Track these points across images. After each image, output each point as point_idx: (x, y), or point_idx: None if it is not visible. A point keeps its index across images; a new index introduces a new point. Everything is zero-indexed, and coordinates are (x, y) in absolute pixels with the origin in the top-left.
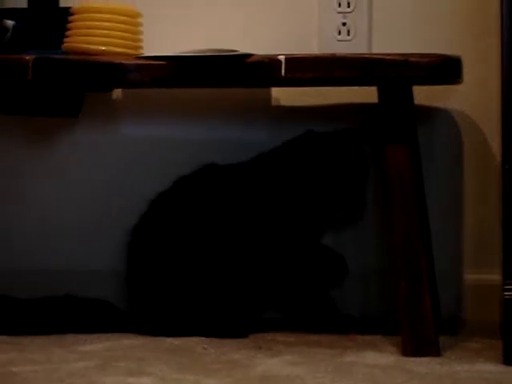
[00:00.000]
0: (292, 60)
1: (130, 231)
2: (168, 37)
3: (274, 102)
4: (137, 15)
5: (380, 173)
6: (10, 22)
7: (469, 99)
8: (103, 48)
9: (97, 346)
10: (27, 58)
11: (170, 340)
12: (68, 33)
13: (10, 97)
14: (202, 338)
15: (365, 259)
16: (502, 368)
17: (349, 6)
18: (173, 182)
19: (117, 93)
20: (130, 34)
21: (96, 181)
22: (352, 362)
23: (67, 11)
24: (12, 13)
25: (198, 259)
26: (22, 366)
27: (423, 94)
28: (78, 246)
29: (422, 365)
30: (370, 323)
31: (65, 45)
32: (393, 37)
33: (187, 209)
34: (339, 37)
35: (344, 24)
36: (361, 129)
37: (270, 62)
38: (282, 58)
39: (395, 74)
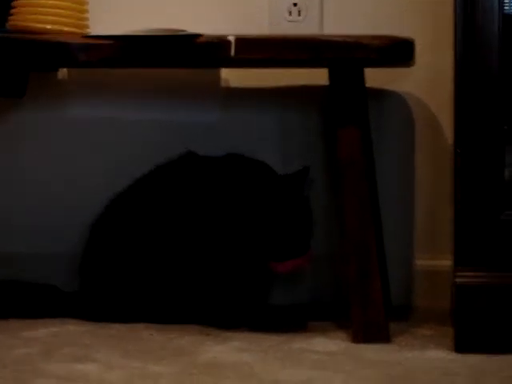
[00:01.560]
0: (242, 40)
1: (95, 215)
2: (116, 16)
3: (223, 83)
4: None
5: (331, 155)
6: None
7: (421, 82)
8: (49, 26)
9: (41, 332)
10: None
11: (116, 326)
12: (13, 11)
13: None
14: (149, 325)
15: (315, 244)
16: (452, 355)
17: None
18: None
19: (63, 72)
20: (76, 13)
21: (43, 161)
22: (301, 349)
23: None
24: None
25: (150, 249)
26: None
27: (375, 77)
28: (27, 230)
29: (372, 351)
30: (321, 309)
31: (10, 23)
32: (344, 18)
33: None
34: (290, 17)
35: (295, 4)
36: (300, 175)
37: (220, 43)
38: (231, 38)
39: (346, 56)
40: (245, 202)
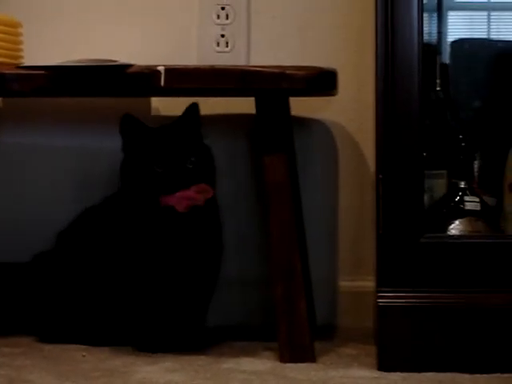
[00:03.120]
0: (171, 71)
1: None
2: (49, 47)
3: (153, 112)
4: (17, 25)
5: (258, 180)
6: None
7: (344, 111)
8: None
9: None
10: None
11: (48, 347)
12: None
13: None
14: (81, 346)
15: (245, 266)
16: (376, 373)
17: (227, 18)
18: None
19: None
20: (10, 44)
21: None
22: (229, 369)
23: None
24: None
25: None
26: None
27: (300, 106)
28: None
29: (297, 371)
30: (250, 331)
31: None
32: (271, 50)
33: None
34: (218, 48)
35: (223, 36)
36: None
37: (150, 73)
38: (161, 68)
39: (272, 86)
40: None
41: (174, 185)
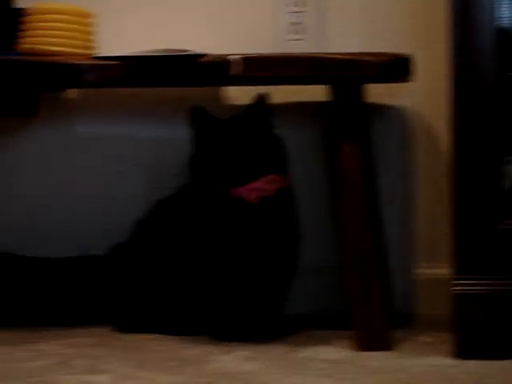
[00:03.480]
0: (245, 60)
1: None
2: (123, 37)
3: (226, 101)
4: (89, 15)
5: (332, 169)
6: None
7: (419, 97)
8: (58, 49)
9: (54, 344)
10: None
11: (126, 337)
12: (22, 33)
13: None
14: (157, 335)
15: (321, 255)
16: (452, 361)
17: (302, 6)
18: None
19: (71, 92)
20: (83, 35)
21: (51, 179)
22: (306, 358)
23: (20, 12)
24: None
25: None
26: None
27: (375, 92)
28: (30, 243)
29: (374, 359)
30: (326, 319)
31: (20, 46)
32: (345, 36)
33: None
34: (292, 36)
35: (297, 23)
36: None
37: (223, 62)
38: (232, 57)
39: (347, 73)
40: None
41: (243, 176)
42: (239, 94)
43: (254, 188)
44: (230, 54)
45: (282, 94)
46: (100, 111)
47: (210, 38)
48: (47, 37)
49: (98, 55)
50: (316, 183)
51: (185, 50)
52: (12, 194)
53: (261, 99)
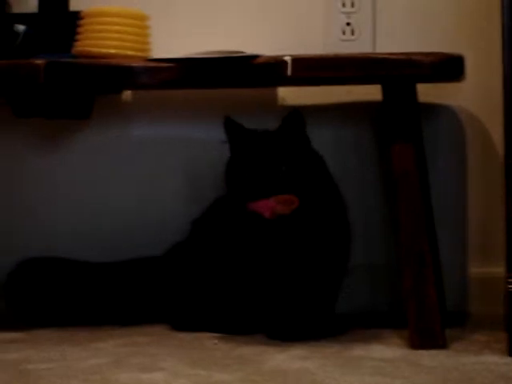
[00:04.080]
0: (298, 60)
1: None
2: (176, 39)
3: (280, 102)
4: (145, 18)
5: (385, 169)
6: (20, 27)
7: (472, 97)
8: (113, 51)
9: (109, 342)
10: (39, 62)
11: (181, 336)
12: (78, 37)
13: (22, 100)
14: (213, 334)
15: (372, 254)
16: (507, 360)
17: (353, 6)
18: None
19: (126, 95)
20: (138, 37)
21: (107, 182)
22: (360, 356)
23: (77, 15)
24: (23, 17)
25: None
26: (37, 364)
27: (427, 92)
28: (88, 248)
29: (428, 357)
30: (378, 318)
31: (75, 48)
32: (396, 36)
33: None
34: (343, 37)
35: (348, 24)
36: None
37: (277, 63)
38: (287, 58)
39: (399, 73)
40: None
41: (257, 192)
42: (295, 95)
43: (265, 206)
44: (284, 55)
45: (333, 94)
46: (154, 113)
47: (262, 40)
48: (102, 39)
49: (152, 57)
50: (368, 183)
51: (239, 52)
52: (71, 198)
53: (293, 115)
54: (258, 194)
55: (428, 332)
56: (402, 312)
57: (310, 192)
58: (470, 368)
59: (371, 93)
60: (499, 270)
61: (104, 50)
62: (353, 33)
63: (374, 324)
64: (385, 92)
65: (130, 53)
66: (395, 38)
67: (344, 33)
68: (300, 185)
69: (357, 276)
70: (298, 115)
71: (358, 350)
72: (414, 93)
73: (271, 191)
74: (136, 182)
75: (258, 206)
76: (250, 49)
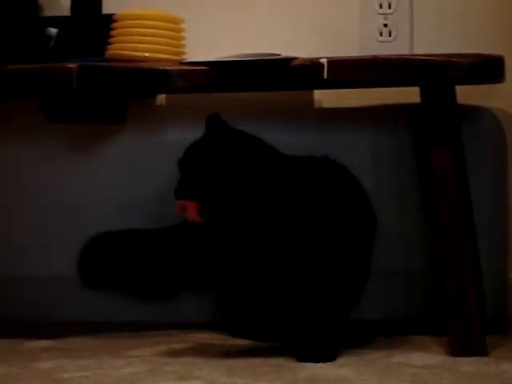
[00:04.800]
0: (334, 63)
1: None
2: (210, 42)
3: (316, 104)
4: (179, 21)
5: (423, 172)
6: (53, 30)
7: (511, 97)
8: (147, 54)
9: (146, 350)
10: (71, 65)
11: (216, 343)
12: (111, 40)
13: (55, 104)
14: (249, 342)
15: (410, 260)
16: None
17: (390, 8)
18: None
19: (160, 98)
20: (173, 40)
21: (142, 186)
22: (399, 363)
23: (110, 18)
24: (55, 21)
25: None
26: (73, 372)
27: (466, 93)
28: None
29: (469, 364)
30: (417, 324)
31: (108, 52)
32: (434, 37)
33: None
34: (381, 38)
35: (385, 25)
36: None
37: (313, 65)
38: (324, 60)
39: (437, 75)
40: None
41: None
42: (326, 98)
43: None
44: (320, 57)
45: (369, 96)
46: (189, 117)
47: (298, 41)
48: (136, 43)
49: (186, 61)
50: (406, 186)
51: (274, 54)
52: (104, 203)
53: (213, 119)
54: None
55: (468, 338)
56: (441, 319)
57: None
58: (510, 375)
59: (408, 94)
60: None
61: (137, 54)
62: (390, 34)
63: (413, 331)
64: (423, 94)
65: (163, 56)
66: (433, 39)
67: (381, 34)
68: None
69: (394, 283)
70: (215, 120)
71: (397, 357)
72: (452, 95)
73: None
74: (170, 186)
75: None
76: (285, 51)
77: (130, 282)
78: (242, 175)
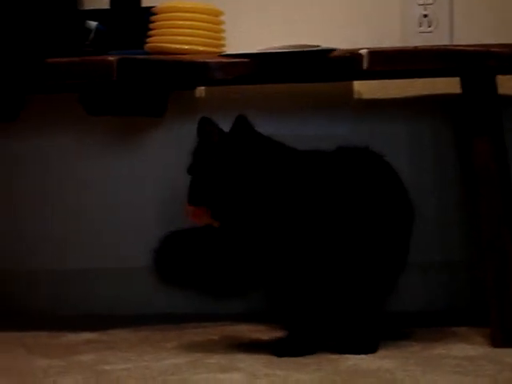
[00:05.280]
0: (374, 53)
1: None
2: (249, 34)
3: (356, 95)
4: (219, 13)
5: (464, 163)
6: (92, 23)
7: None
8: (186, 47)
9: (187, 342)
10: (111, 58)
11: (257, 335)
12: (151, 32)
13: (94, 97)
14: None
15: (451, 251)
16: None
17: None
18: None
19: (200, 91)
20: (212, 33)
21: (182, 179)
22: (441, 355)
23: (149, 11)
24: (94, 14)
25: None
26: (114, 365)
27: (507, 84)
28: None
29: (511, 356)
30: (457, 315)
31: (148, 45)
32: (474, 27)
33: None
34: (421, 29)
35: (425, 16)
36: None
37: (353, 56)
38: (364, 51)
39: (478, 65)
40: None
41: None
42: (365, 89)
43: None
44: (360, 48)
45: (409, 86)
46: (228, 109)
47: (338, 33)
48: (176, 35)
49: (225, 53)
50: (447, 178)
51: (314, 45)
52: (146, 195)
53: (240, 119)
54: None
55: (510, 329)
56: (482, 310)
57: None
58: None
59: (447, 85)
60: None
61: (177, 46)
62: (430, 24)
63: (454, 322)
64: (464, 84)
65: (202, 48)
66: (473, 29)
67: (421, 25)
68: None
69: (435, 274)
70: (245, 120)
71: (439, 349)
72: (493, 85)
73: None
74: None
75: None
76: (325, 42)
77: (205, 280)
78: (271, 176)
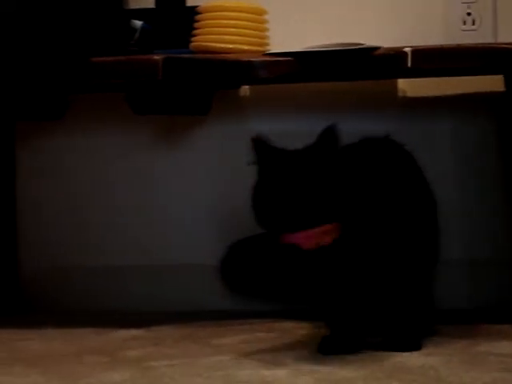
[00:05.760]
0: (418, 52)
1: None
2: (293, 33)
3: (400, 93)
4: (263, 12)
5: (507, 162)
6: (138, 23)
7: None
8: (231, 46)
9: (231, 339)
10: (157, 58)
11: (301, 332)
12: (195, 32)
13: (141, 96)
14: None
15: (496, 248)
16: None
17: None
18: None
19: (244, 89)
20: (256, 32)
21: (227, 177)
22: (485, 352)
23: (194, 10)
24: (140, 13)
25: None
26: (159, 361)
27: None
28: (208, 242)
29: None
30: (503, 312)
31: (193, 44)
32: None
33: None
34: (464, 27)
35: (469, 14)
36: None
37: (397, 54)
38: (408, 50)
39: None
40: None
41: (293, 223)
42: (409, 87)
43: (307, 236)
44: (404, 47)
45: (453, 85)
46: (273, 108)
47: (382, 31)
48: (220, 34)
49: (270, 52)
50: (491, 175)
51: (358, 44)
52: (191, 195)
53: (328, 133)
54: (296, 226)
55: None
56: None
57: (353, 215)
58: None
59: (490, 83)
60: None
61: (222, 45)
62: (473, 23)
63: (499, 320)
64: (507, 82)
65: (247, 47)
66: None
67: (464, 23)
68: (341, 210)
69: (480, 271)
70: (333, 132)
71: (484, 346)
72: None
73: (311, 223)
74: (250, 174)
75: (296, 238)
76: (369, 40)
77: (272, 288)
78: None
